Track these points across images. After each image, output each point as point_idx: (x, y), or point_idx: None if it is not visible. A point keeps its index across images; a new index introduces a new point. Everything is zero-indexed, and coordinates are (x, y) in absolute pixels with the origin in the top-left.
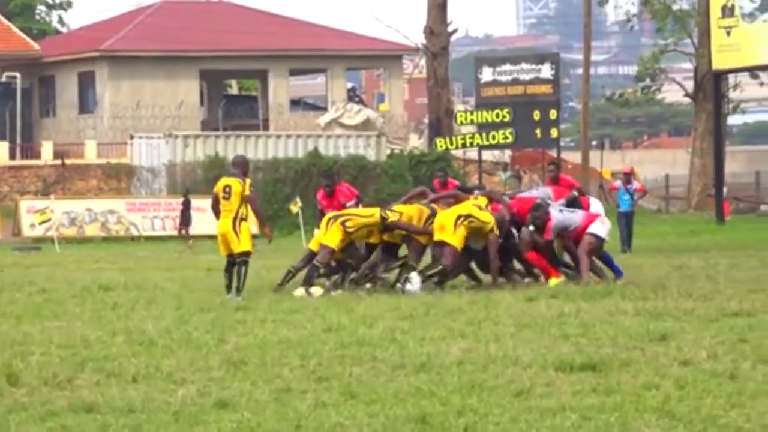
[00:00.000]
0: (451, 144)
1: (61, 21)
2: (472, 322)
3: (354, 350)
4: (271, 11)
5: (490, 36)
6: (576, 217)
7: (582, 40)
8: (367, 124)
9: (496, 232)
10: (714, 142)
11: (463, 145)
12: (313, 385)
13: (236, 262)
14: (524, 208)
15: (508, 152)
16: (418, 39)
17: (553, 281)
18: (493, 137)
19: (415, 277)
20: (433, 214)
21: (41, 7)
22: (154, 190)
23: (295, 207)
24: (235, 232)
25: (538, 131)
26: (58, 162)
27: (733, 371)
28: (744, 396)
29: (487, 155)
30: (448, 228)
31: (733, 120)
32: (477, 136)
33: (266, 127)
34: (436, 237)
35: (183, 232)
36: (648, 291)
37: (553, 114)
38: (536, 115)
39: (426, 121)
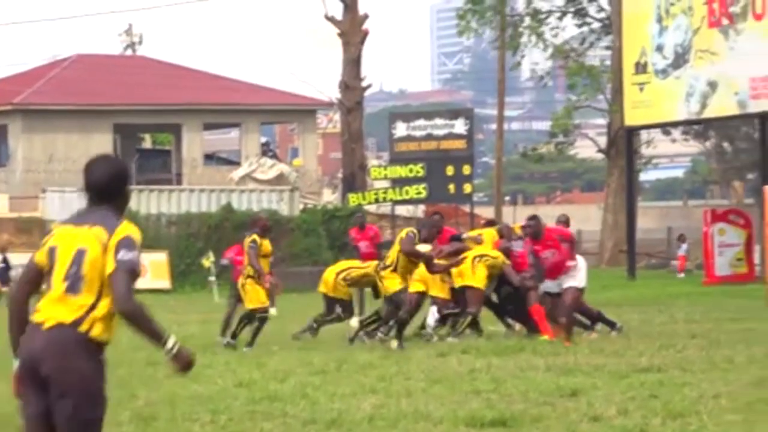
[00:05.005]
0: (364, 199)
1: None
2: (383, 377)
3: (265, 405)
4: (186, 65)
5: (405, 91)
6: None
7: (496, 96)
8: (280, 179)
9: (508, 262)
10: (626, 197)
11: (376, 200)
12: None
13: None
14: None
15: (421, 207)
16: (333, 93)
17: (544, 338)
18: (407, 192)
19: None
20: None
21: None
22: None
23: (207, 261)
24: (244, 290)
25: (451, 186)
26: None
27: (643, 427)
28: None
29: (400, 210)
30: (467, 272)
31: (646, 176)
32: (390, 191)
33: (179, 182)
34: (457, 284)
35: (4, 288)
36: (559, 346)
37: (466, 169)
38: (450, 170)
39: (340, 175)
